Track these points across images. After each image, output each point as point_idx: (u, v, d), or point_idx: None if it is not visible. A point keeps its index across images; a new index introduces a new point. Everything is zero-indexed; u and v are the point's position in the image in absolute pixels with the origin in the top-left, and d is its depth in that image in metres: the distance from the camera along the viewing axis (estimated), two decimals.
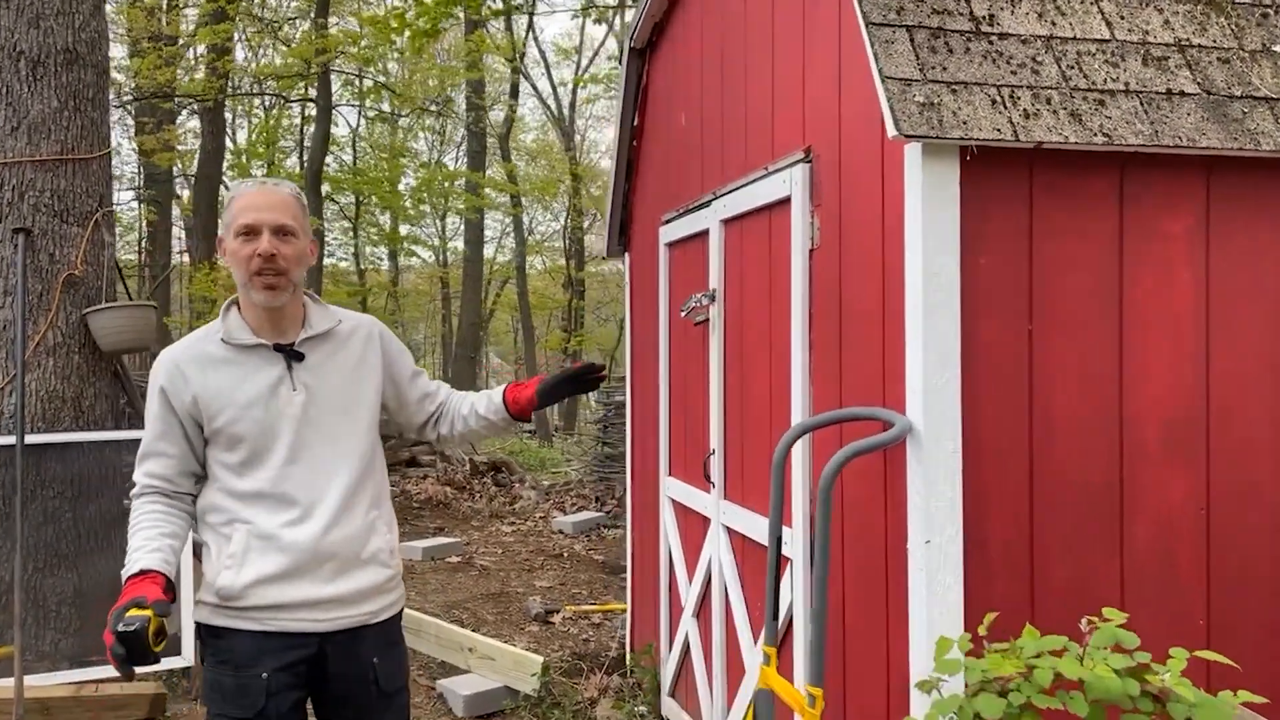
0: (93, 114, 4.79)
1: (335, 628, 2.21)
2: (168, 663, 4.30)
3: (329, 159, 16.37)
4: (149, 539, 2.14)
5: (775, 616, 2.66)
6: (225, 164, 16.24)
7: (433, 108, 18.19)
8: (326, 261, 19.02)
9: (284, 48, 14.23)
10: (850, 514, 2.67)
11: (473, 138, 21.85)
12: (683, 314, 3.81)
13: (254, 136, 22.37)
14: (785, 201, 2.99)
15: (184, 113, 21.36)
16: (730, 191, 3.46)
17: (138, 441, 2.32)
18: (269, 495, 2.19)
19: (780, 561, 2.65)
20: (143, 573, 2.07)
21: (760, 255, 3.24)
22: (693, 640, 3.92)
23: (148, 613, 1.94)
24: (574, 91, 27.69)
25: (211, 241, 16.62)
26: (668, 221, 4.23)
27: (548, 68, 26.18)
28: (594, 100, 29.70)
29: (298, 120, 19.61)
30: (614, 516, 9.12)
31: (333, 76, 14.89)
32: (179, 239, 20.55)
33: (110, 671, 3.91)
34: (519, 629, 6.00)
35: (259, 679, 2.14)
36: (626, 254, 4.98)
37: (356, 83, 18.18)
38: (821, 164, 2.80)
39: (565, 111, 26.80)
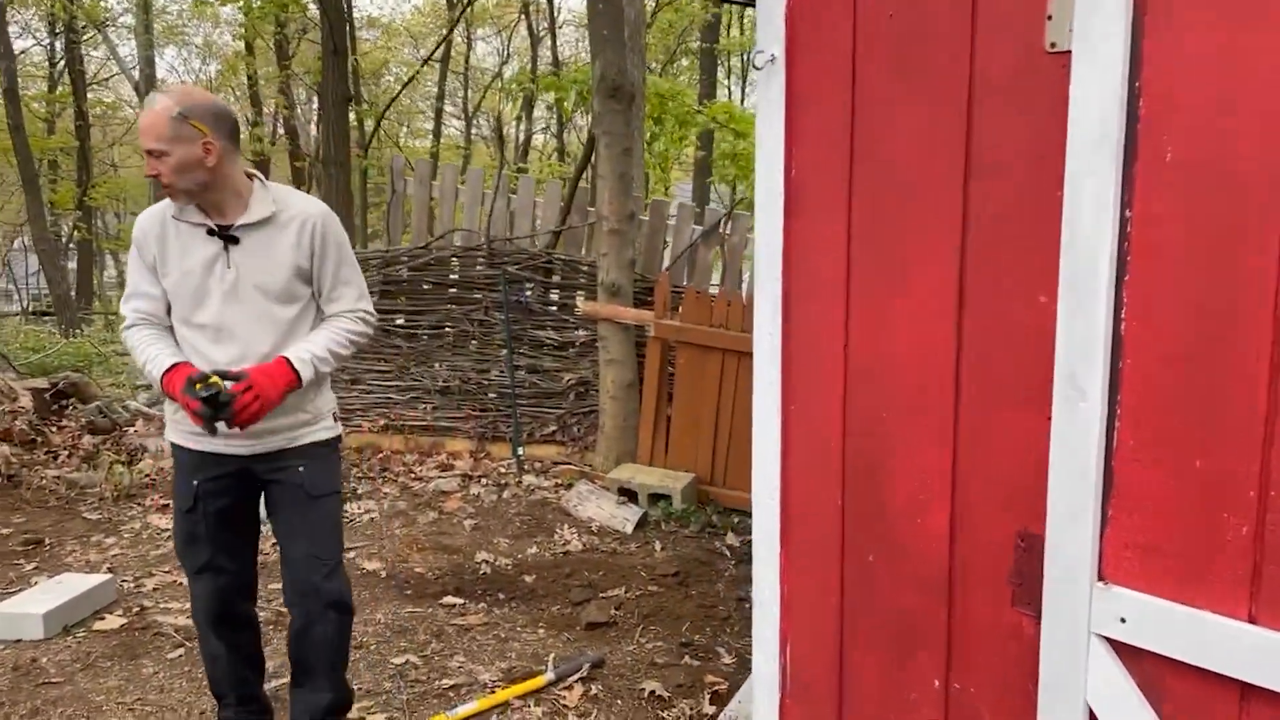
0: None
1: (254, 452, 2.68)
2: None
3: None
4: (164, 348, 2.63)
5: None
6: None
7: None
8: None
9: None
10: None
11: None
12: None
13: None
14: None
15: None
16: None
17: None
18: (196, 347, 2.64)
19: None
20: (173, 365, 2.57)
21: None
22: None
23: (214, 380, 2.45)
24: None
25: None
26: None
27: None
28: None
29: None
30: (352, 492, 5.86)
31: None
32: None
33: None
34: None
35: (191, 485, 2.70)
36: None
37: None
38: None
39: None
